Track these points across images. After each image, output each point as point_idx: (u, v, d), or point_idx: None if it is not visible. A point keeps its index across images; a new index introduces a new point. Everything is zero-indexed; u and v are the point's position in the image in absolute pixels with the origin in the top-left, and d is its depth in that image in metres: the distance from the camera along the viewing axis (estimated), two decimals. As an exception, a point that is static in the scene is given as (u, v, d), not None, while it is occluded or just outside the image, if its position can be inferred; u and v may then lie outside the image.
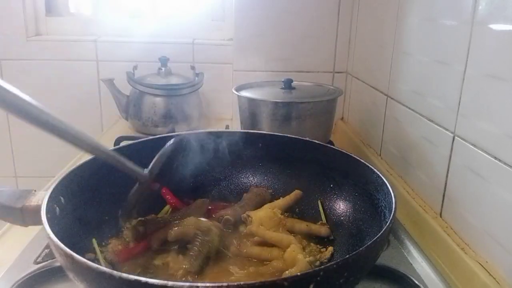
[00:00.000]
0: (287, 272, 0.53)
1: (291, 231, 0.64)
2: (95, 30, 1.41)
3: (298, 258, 0.55)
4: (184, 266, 0.55)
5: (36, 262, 0.61)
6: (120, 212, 0.60)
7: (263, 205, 0.68)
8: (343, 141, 1.18)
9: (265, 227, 0.62)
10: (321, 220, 0.67)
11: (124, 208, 0.60)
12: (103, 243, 0.60)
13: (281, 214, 0.67)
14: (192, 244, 0.58)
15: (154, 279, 0.37)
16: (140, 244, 0.61)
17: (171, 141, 0.63)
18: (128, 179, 0.67)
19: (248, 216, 0.65)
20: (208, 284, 0.38)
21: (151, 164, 0.60)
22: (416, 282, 0.56)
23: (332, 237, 0.64)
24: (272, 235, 0.61)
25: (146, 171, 0.59)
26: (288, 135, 0.74)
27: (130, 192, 0.59)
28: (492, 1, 0.56)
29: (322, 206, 0.69)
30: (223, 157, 0.75)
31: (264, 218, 0.64)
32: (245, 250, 0.60)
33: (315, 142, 0.71)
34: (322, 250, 0.62)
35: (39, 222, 0.47)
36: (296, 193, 0.71)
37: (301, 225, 0.65)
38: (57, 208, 0.52)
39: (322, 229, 0.64)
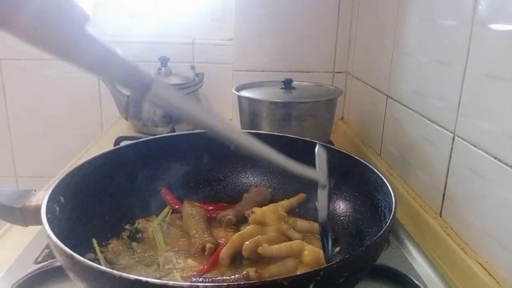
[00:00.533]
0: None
1: (293, 228, 0.64)
2: (95, 30, 1.41)
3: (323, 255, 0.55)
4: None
5: (36, 262, 0.61)
6: (322, 226, 0.57)
7: (264, 205, 0.68)
8: (343, 141, 1.18)
9: (266, 219, 0.62)
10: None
11: (324, 220, 0.57)
12: (103, 243, 0.60)
13: (284, 211, 0.67)
14: None
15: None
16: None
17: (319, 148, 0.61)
18: (128, 179, 0.68)
19: (252, 212, 0.65)
20: (208, 284, 0.38)
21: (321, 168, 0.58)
22: (416, 282, 0.56)
23: (333, 237, 0.64)
24: (280, 248, 0.58)
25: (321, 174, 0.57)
26: (288, 135, 0.74)
27: (319, 203, 0.57)
28: (492, 1, 0.56)
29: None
30: (223, 157, 0.75)
31: (267, 212, 0.64)
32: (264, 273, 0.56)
33: (315, 142, 0.71)
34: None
35: (39, 222, 0.47)
36: (300, 196, 0.71)
37: (303, 223, 0.65)
38: (57, 208, 0.52)
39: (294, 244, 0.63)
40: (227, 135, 0.50)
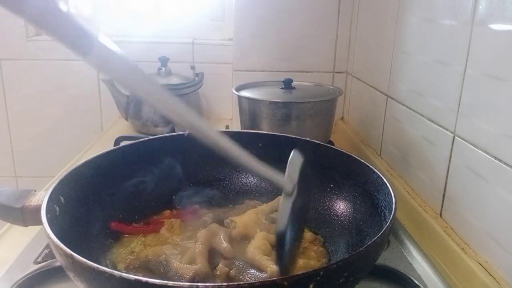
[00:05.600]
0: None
1: None
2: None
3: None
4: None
5: (36, 262, 0.61)
6: (278, 237, 0.52)
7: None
8: (343, 141, 1.18)
9: (250, 231, 0.61)
10: (316, 223, 0.67)
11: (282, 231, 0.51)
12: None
13: (265, 219, 0.64)
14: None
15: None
16: None
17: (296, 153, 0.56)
18: (128, 179, 0.67)
19: (232, 221, 0.63)
20: (208, 284, 0.38)
21: (290, 175, 0.53)
22: (416, 282, 0.56)
23: (324, 240, 0.64)
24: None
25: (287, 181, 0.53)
26: (288, 135, 0.74)
27: (279, 212, 0.53)
28: (492, 1, 0.56)
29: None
30: (223, 157, 0.75)
31: (248, 222, 0.62)
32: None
33: (315, 142, 0.71)
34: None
35: (39, 222, 0.47)
36: (280, 199, 0.70)
37: None
38: (57, 208, 0.52)
39: (307, 234, 0.64)
40: (180, 116, 0.46)
